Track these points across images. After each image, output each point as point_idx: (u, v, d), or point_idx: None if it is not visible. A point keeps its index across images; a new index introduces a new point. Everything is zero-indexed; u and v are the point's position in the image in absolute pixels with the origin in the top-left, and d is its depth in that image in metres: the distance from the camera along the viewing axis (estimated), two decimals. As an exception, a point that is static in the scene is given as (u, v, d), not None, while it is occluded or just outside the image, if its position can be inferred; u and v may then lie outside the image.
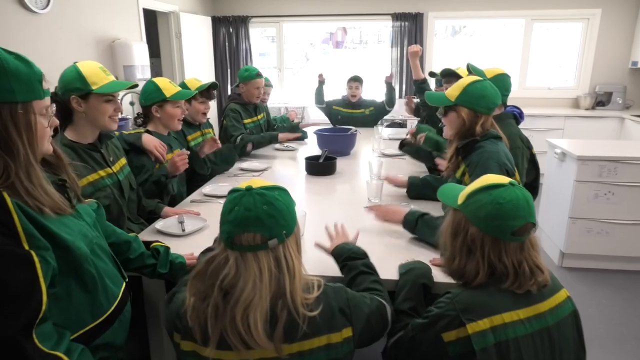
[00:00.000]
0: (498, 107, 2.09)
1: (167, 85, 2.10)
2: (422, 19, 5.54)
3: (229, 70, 5.98)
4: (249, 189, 0.99)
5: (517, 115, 2.22)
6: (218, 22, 5.82)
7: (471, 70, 2.22)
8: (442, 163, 2.35)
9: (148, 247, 1.42)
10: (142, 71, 3.96)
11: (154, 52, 5.13)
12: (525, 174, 2.13)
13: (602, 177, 3.06)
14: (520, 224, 0.96)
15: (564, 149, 3.25)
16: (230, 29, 5.84)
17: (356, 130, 2.97)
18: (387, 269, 1.40)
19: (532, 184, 2.22)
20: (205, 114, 2.62)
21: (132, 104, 4.00)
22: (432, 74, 3.60)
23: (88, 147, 1.62)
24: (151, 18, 4.80)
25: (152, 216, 1.84)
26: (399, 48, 5.64)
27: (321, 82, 4.21)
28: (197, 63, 5.33)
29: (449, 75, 2.77)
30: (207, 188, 2.18)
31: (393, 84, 4.19)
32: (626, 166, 3.01)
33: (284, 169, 2.67)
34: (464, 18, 5.68)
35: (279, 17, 5.84)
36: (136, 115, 2.27)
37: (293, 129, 3.49)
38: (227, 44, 5.90)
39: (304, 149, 3.19)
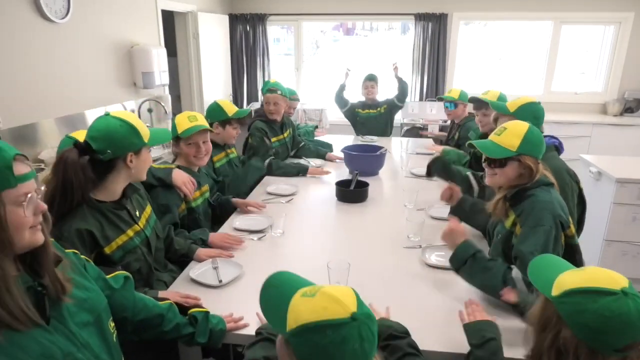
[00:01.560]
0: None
1: (182, 122, 2.03)
2: (447, 20, 5.35)
3: (244, 68, 5.85)
4: (354, 318, 0.78)
5: (558, 147, 2.09)
6: (235, 20, 5.67)
7: (493, 107, 2.10)
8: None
9: (184, 311, 1.32)
10: (161, 78, 3.86)
11: (171, 51, 5.01)
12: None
13: (641, 201, 2.94)
14: (627, 342, 0.84)
15: (601, 169, 3.11)
16: (248, 27, 5.70)
17: (385, 150, 2.85)
18: (429, 336, 1.31)
19: (579, 218, 2.11)
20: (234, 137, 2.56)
21: (150, 110, 3.91)
22: (440, 99, 3.52)
23: (114, 206, 1.47)
24: (169, 16, 4.68)
25: (185, 259, 1.75)
26: (420, 49, 5.46)
27: (342, 85, 4.21)
28: (214, 62, 5.21)
29: (478, 102, 2.64)
30: (237, 222, 2.09)
31: (398, 75, 4.19)
32: (667, 190, 2.89)
33: (312, 193, 2.56)
34: (489, 19, 5.48)
35: (298, 15, 5.68)
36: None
37: (319, 149, 3.38)
38: (244, 42, 5.76)
39: (332, 168, 3.08)
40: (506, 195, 1.56)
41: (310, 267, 1.71)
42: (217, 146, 2.52)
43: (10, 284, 0.85)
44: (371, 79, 4.13)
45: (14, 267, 0.89)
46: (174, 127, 2.05)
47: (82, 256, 1.13)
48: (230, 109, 2.49)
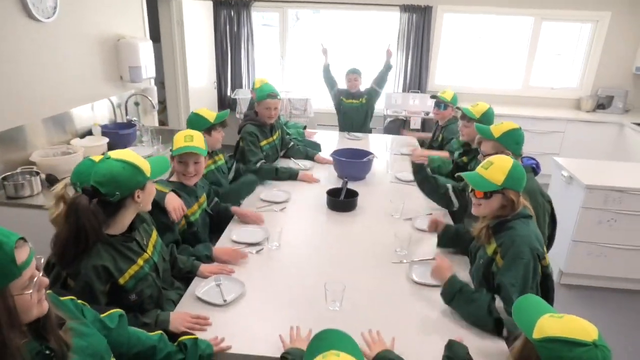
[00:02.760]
0: (515, 159, 2.12)
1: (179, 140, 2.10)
2: (431, 12, 5.41)
3: (229, 54, 5.81)
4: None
5: (535, 168, 2.25)
6: (219, 6, 5.59)
7: (478, 130, 2.23)
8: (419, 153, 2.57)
9: (175, 339, 1.43)
10: (147, 71, 3.83)
11: (154, 36, 4.94)
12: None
13: (607, 205, 3.16)
14: None
15: (572, 174, 3.31)
16: (232, 13, 5.63)
17: (374, 156, 2.97)
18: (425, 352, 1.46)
19: (550, 235, 2.29)
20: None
21: (136, 104, 3.90)
22: (433, 97, 3.63)
23: (125, 239, 1.54)
24: (152, 2, 4.58)
25: (189, 275, 1.85)
26: (405, 40, 5.52)
27: (326, 65, 4.40)
28: (198, 48, 5.16)
29: (463, 113, 2.77)
30: (234, 234, 2.19)
31: (390, 61, 4.32)
32: (631, 196, 3.11)
33: (304, 201, 2.65)
34: (473, 13, 5.57)
35: (283, 2, 5.63)
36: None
37: (308, 150, 3.47)
38: (228, 28, 5.70)
39: (320, 170, 3.18)
40: (489, 225, 1.71)
41: (307, 284, 1.85)
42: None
43: (21, 355, 0.92)
44: (354, 72, 4.26)
45: (22, 336, 0.96)
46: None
47: (79, 301, 1.21)
48: (211, 115, 2.52)
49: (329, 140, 3.93)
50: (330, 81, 4.45)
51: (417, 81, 5.69)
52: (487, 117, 2.73)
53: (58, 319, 1.05)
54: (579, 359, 0.99)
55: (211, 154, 2.64)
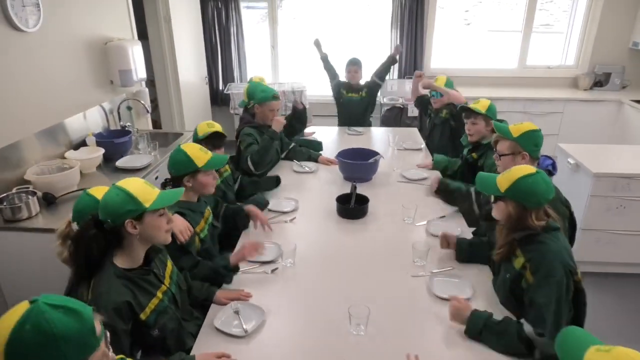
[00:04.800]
0: (532, 161, 2.07)
1: (198, 154, 1.98)
2: (424, -5, 5.26)
3: (218, 48, 5.64)
4: None
5: (551, 170, 2.19)
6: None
7: (496, 128, 2.16)
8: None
9: None
10: (138, 74, 3.69)
11: (142, 34, 4.76)
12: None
13: (616, 192, 3.13)
14: None
15: (579, 161, 3.27)
16: (220, 5, 5.44)
17: (380, 156, 2.89)
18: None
19: (570, 238, 2.24)
20: None
21: (129, 108, 3.77)
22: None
23: (142, 272, 1.50)
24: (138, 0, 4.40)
25: (205, 303, 1.79)
26: (399, 24, 5.39)
27: (324, 56, 4.22)
28: (187, 44, 4.99)
29: (468, 111, 2.69)
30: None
31: (396, 57, 4.19)
32: (639, 182, 3.08)
33: (313, 210, 2.56)
34: (466, -6, 5.43)
35: (271, -9, 5.45)
36: (165, 182, 2.14)
37: (311, 152, 3.35)
38: (216, 21, 5.51)
39: (325, 171, 3.10)
40: (515, 238, 1.66)
41: (327, 304, 1.79)
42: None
43: None
44: (354, 64, 4.07)
45: None
46: (188, 159, 1.96)
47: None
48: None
49: (330, 138, 3.84)
50: (331, 72, 4.25)
51: (412, 66, 5.57)
52: (492, 112, 2.66)
53: None
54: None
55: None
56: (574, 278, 1.56)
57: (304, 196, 2.70)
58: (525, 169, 1.64)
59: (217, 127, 2.43)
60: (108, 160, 3.16)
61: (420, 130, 4.16)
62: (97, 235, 1.41)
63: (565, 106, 5.15)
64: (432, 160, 3.09)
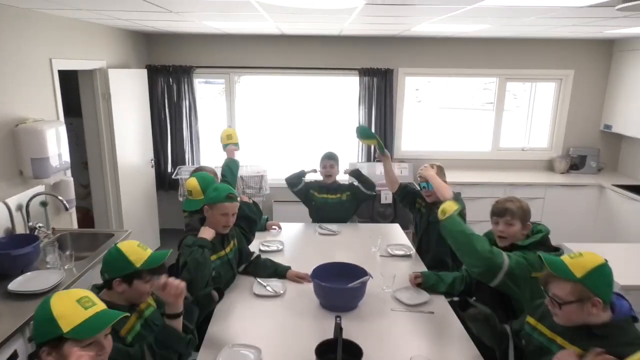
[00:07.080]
0: (604, 308, 1.49)
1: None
2: (392, 76, 4.98)
3: (168, 127, 5.03)
4: None
5: (636, 316, 1.60)
6: (155, 73, 4.87)
7: (548, 264, 1.56)
8: None
9: None
10: (60, 161, 2.97)
11: (73, 111, 4.09)
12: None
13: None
14: None
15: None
16: (171, 80, 4.91)
17: (368, 277, 2.20)
18: None
19: None
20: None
21: (44, 204, 2.99)
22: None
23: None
24: (70, 74, 3.78)
25: None
26: (366, 105, 5.03)
27: (302, 172, 3.49)
28: (130, 122, 4.35)
29: (502, 210, 2.13)
30: None
31: (356, 171, 3.48)
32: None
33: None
34: (436, 75, 5.22)
35: (229, 67, 5.00)
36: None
37: (277, 266, 2.58)
38: (166, 97, 4.95)
39: (294, 298, 2.37)
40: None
41: None
42: (121, 307, 1.63)
43: None
44: (331, 158, 3.44)
45: None
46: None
47: None
48: (139, 257, 1.65)
49: (295, 238, 3.17)
50: (293, 181, 3.49)
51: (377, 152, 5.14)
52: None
53: None
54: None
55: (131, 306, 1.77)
56: None
57: (266, 342, 1.91)
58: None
59: (149, 251, 1.73)
60: (2, 279, 2.33)
61: (401, 225, 3.57)
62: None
63: (546, 191, 4.82)
64: (421, 275, 2.42)
